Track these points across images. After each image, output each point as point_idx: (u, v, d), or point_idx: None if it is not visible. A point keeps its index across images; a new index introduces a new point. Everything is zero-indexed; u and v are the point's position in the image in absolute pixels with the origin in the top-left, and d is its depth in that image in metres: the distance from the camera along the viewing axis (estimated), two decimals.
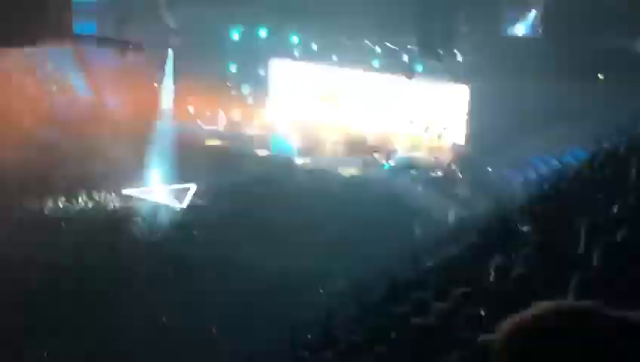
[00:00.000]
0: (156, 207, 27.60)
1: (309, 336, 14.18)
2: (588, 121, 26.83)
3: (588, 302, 1.14)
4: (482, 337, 4.62)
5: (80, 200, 27.13)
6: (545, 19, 32.64)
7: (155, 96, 33.89)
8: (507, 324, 1.15)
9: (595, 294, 4.82)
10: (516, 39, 33.38)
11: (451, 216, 27.27)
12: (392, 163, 32.58)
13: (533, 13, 33.16)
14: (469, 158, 31.82)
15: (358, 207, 26.87)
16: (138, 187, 28.35)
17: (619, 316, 1.12)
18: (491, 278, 8.15)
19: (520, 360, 1.12)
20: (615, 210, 7.90)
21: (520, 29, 33.53)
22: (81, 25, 30.28)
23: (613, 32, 30.27)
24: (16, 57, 32.70)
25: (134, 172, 28.57)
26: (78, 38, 29.33)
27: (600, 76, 31.18)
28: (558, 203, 13.40)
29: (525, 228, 11.59)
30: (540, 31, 32.83)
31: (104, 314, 19.54)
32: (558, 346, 1.09)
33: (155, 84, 34.51)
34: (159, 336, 18.44)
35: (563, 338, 1.09)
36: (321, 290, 20.32)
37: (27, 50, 30.45)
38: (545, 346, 1.10)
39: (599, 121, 25.45)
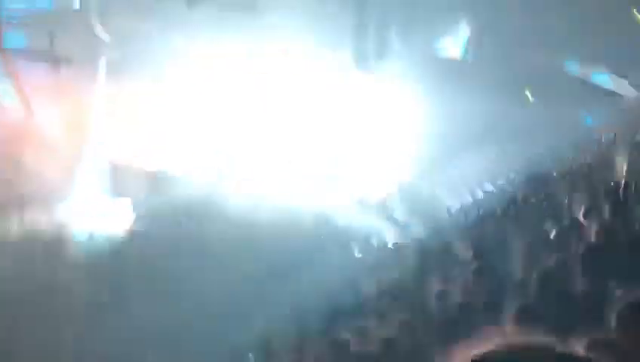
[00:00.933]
0: (90, 228, 26.98)
1: None
2: (520, 143, 27.44)
3: (541, 339, 1.18)
4: None
5: (10, 220, 26.28)
6: (476, 40, 33.31)
7: (87, 112, 33.15)
8: (464, 359, 1.17)
9: (533, 321, 4.94)
10: (448, 60, 33.98)
11: (389, 240, 27.41)
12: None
13: (465, 34, 33.81)
14: (406, 182, 32.13)
15: (293, 230, 26.77)
16: (71, 207, 27.65)
17: (570, 353, 1.16)
18: (431, 304, 8.25)
19: None
20: (551, 234, 8.09)
21: (452, 49, 34.14)
22: (9, 38, 29.69)
23: (543, 53, 31.09)
24: None
25: (67, 191, 27.90)
26: (6, 52, 28.71)
27: (530, 97, 31.96)
28: (494, 227, 13.63)
29: (463, 253, 11.76)
30: (472, 52, 33.47)
31: (36, 341, 18.99)
32: None
33: (87, 99, 33.78)
34: None
35: None
36: (259, 317, 20.15)
37: None
38: None
39: (531, 142, 26.08)
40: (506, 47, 31.04)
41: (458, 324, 6.50)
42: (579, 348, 2.88)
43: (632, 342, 3.52)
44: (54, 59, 27.98)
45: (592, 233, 6.56)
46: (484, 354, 1.16)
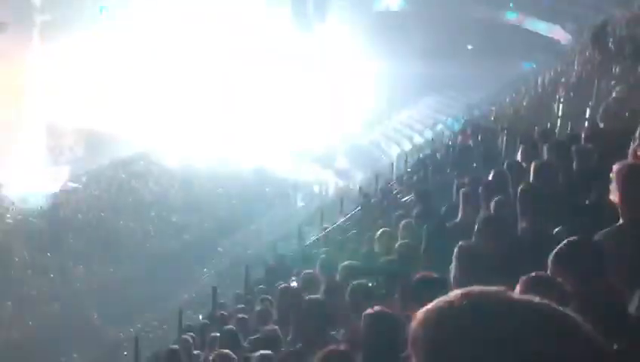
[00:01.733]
0: (28, 192, 26.38)
1: (195, 316, 14.08)
2: (460, 91, 27.77)
3: (497, 287, 1.19)
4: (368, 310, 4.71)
5: None
6: None
7: (22, 76, 32.38)
8: (422, 313, 1.18)
9: (477, 263, 5.01)
10: (387, 12, 34.02)
11: (332, 188, 27.60)
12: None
13: None
14: (346, 132, 32.26)
15: (235, 184, 26.72)
16: (7, 172, 26.96)
17: (526, 300, 1.18)
18: (375, 248, 8.34)
19: (437, 349, 1.16)
20: (490, 177, 8.16)
21: (391, 2, 34.22)
22: None
23: (480, 3, 31.33)
24: None
25: (2, 157, 27.22)
26: None
27: (469, 47, 32.26)
28: (434, 172, 13.76)
29: (405, 198, 11.89)
30: (411, 3, 33.57)
31: None
32: (475, 333, 1.13)
33: (22, 63, 32.99)
34: (39, 326, 17.83)
35: (478, 324, 1.13)
36: (205, 269, 20.17)
37: None
38: (461, 333, 1.14)
39: (469, 90, 26.40)
40: None
41: (402, 267, 6.58)
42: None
43: (570, 281, 3.58)
44: None
45: (531, 174, 6.66)
46: (440, 306, 1.17)
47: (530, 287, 3.22)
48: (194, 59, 35.31)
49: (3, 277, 19.91)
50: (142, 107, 34.42)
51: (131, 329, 16.75)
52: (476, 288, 1.17)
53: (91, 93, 34.32)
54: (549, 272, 3.68)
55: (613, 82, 10.49)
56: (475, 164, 11.43)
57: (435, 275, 5.16)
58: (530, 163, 6.84)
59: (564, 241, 3.79)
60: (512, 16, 32.22)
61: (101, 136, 31.94)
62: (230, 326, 8.85)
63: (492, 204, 6.65)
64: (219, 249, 21.29)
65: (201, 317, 13.28)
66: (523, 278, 3.36)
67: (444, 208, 8.84)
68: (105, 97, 34.52)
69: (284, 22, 33.76)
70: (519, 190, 6.07)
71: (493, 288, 1.17)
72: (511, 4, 32.22)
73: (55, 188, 27.11)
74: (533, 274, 3.37)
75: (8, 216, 24.54)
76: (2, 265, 20.48)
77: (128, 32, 35.60)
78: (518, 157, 8.20)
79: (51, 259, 21.10)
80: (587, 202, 5.80)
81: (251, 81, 34.62)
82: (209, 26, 34.41)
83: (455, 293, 1.17)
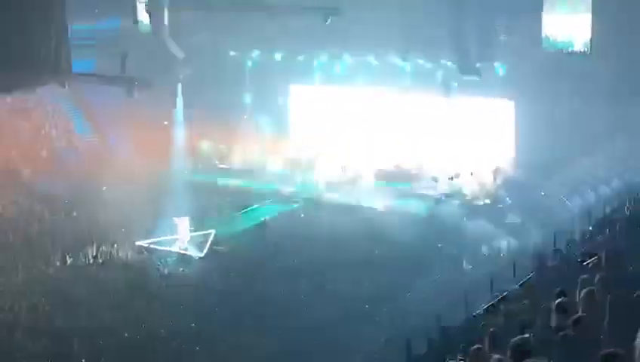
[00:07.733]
0: (173, 257, 27.62)
1: None
2: None
3: None
4: None
5: (90, 254, 27.11)
6: (595, 29, 32.49)
7: (165, 135, 34.20)
8: None
9: None
10: (564, 53, 33.31)
11: (504, 250, 27.12)
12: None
13: (582, 24, 33.09)
14: (518, 183, 31.74)
15: (396, 243, 26.79)
16: (152, 236, 28.35)
17: None
18: (552, 322, 8.25)
19: None
20: None
21: (568, 42, 33.48)
22: (79, 62, 30.76)
23: None
24: (13, 100, 33.24)
25: (146, 220, 28.62)
26: (77, 77, 29.81)
27: None
28: (622, 230, 13.42)
29: (587, 262, 11.67)
30: (591, 43, 32.65)
31: None
32: None
33: (165, 122, 34.92)
34: None
35: None
36: (362, 342, 20.28)
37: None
38: None
39: None
40: (629, 35, 30.19)
41: (580, 341, 6.53)
42: None
43: None
44: (127, 82, 28.97)
45: None
46: None
47: None
48: (351, 116, 36.18)
49: (148, 344, 20.79)
50: (293, 161, 35.54)
51: None
52: None
53: (238, 150, 35.91)
54: None
55: None
56: None
57: (620, 352, 5.13)
58: None
59: None
60: None
61: (249, 194, 33.13)
62: None
63: None
64: (376, 319, 21.40)
65: None
66: None
67: (632, 273, 8.65)
68: (253, 155, 35.90)
69: (449, 68, 34.08)
70: None
71: None
72: None
73: (201, 252, 28.14)
74: None
75: (158, 281, 25.64)
76: (149, 335, 21.41)
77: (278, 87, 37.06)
78: None
79: (198, 329, 21.81)
80: None
81: (414, 131, 35.07)
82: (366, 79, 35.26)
83: None
